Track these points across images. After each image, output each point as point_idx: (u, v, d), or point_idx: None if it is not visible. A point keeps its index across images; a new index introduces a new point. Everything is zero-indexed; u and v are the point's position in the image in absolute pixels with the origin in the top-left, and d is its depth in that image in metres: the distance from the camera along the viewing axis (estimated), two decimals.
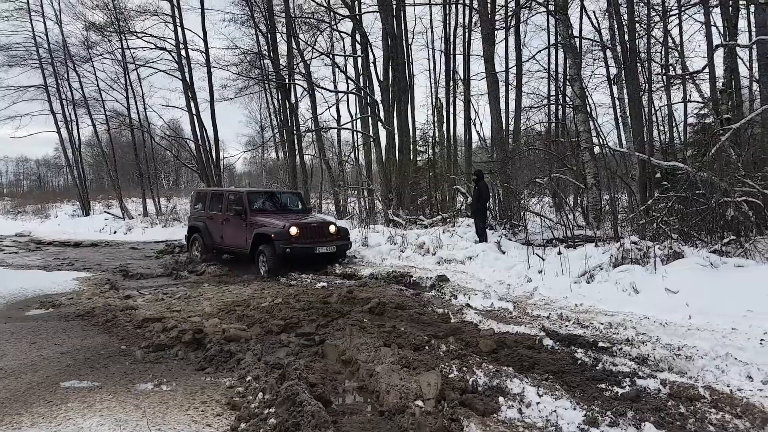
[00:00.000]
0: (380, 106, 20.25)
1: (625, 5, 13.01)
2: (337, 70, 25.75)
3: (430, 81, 24.30)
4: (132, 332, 6.67)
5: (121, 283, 10.80)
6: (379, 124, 20.04)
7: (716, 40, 14.05)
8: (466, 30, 20.81)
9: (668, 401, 4.18)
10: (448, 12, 21.42)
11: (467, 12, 20.52)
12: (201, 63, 24.81)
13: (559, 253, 10.02)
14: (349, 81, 23.94)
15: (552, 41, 19.93)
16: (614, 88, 17.38)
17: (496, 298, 8.32)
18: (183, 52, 24.17)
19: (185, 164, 30.75)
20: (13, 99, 27.22)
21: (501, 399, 4.24)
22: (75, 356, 5.71)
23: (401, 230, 15.10)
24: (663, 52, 15.90)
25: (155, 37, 24.58)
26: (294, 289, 9.31)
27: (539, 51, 19.80)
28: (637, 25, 13.49)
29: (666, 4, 15.05)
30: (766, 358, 5.08)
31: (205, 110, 24.94)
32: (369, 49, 20.99)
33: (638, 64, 13.15)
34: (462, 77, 21.25)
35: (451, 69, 21.76)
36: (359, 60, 22.12)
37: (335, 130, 27.83)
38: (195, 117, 24.44)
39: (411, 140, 21.03)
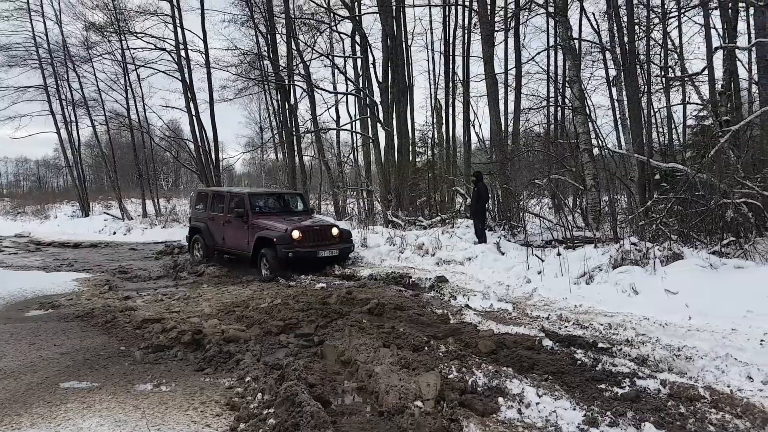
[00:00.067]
0: (379, 107, 20.25)
1: (624, 7, 13.03)
2: (336, 71, 25.74)
3: (430, 82, 24.35)
4: (131, 333, 6.67)
5: (121, 284, 10.79)
6: (379, 125, 20.05)
7: (715, 42, 14.10)
8: (466, 31, 20.84)
9: (668, 401, 4.19)
10: (447, 13, 21.46)
11: (467, 13, 20.56)
12: (201, 64, 24.81)
13: (559, 254, 10.02)
14: (349, 82, 23.94)
15: (551, 43, 19.96)
16: (613, 89, 17.40)
17: (495, 299, 8.32)
18: (183, 53, 24.19)
19: (185, 165, 30.74)
20: (13, 99, 27.24)
21: (500, 399, 4.24)
22: (74, 357, 5.70)
23: (400, 231, 15.10)
24: (662, 54, 15.92)
25: (155, 37, 24.59)
26: (293, 290, 9.30)
27: (539, 53, 19.77)
28: (636, 27, 13.52)
29: (665, 6, 15.09)
30: (766, 359, 5.08)
31: (205, 111, 24.99)
32: (368, 50, 21.00)
33: (637, 66, 13.17)
34: (461, 79, 21.27)
35: (451, 70, 21.79)
36: (359, 61, 22.12)
37: (334, 131, 27.83)
38: (194, 118, 24.43)
39: (410, 141, 21.04)
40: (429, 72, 28.00)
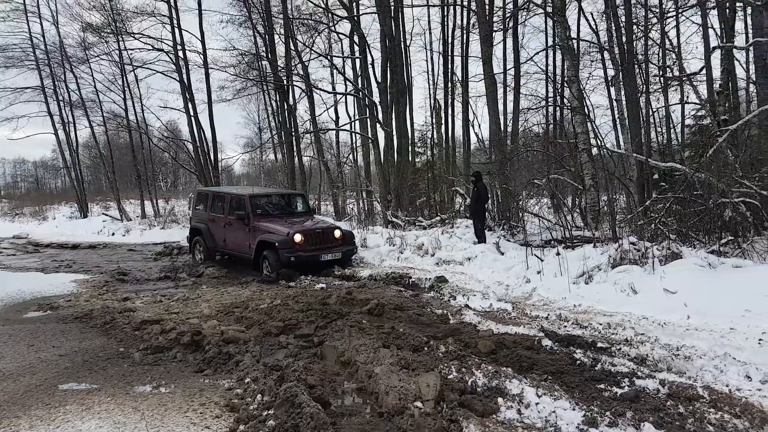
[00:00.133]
0: (379, 107, 20.25)
1: (622, 7, 13.03)
2: (335, 71, 25.70)
3: (429, 82, 24.36)
4: (130, 334, 6.67)
5: (120, 285, 10.78)
6: (378, 125, 20.05)
7: (713, 41, 14.07)
8: (465, 32, 20.83)
9: (667, 401, 4.19)
10: (446, 14, 21.43)
11: (465, 14, 20.55)
12: (199, 64, 24.74)
13: (558, 253, 10.03)
14: (348, 82, 23.91)
15: (550, 43, 19.96)
16: (612, 89, 17.42)
17: (494, 299, 8.32)
18: (180, 54, 24.14)
19: (183, 166, 30.68)
20: (10, 100, 27.13)
21: (500, 400, 4.24)
22: (73, 358, 5.70)
23: (400, 231, 15.10)
24: (660, 54, 15.92)
25: (152, 38, 24.53)
26: (293, 291, 9.30)
27: (537, 53, 19.79)
28: (634, 26, 13.52)
29: (663, 6, 15.07)
30: (765, 358, 5.09)
31: (203, 112, 25.03)
32: (367, 50, 20.99)
33: (636, 66, 13.17)
34: (460, 79, 21.26)
35: (450, 70, 21.77)
36: (357, 62, 22.10)
37: (334, 132, 27.82)
38: (193, 118, 24.39)
39: (409, 142, 21.03)
40: (428, 72, 28.12)
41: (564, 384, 4.60)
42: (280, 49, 22.83)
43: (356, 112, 23.01)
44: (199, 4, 23.40)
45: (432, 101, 23.29)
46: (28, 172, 73.05)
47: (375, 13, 20.39)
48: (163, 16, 24.16)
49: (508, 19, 18.72)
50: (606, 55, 16.94)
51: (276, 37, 22.47)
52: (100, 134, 30.02)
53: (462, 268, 11.25)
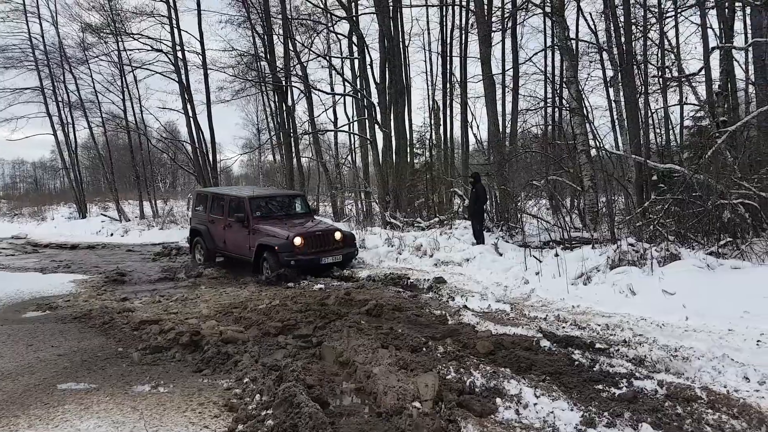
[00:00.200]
0: (377, 108, 20.24)
1: (621, 7, 13.04)
2: (333, 72, 25.70)
3: (427, 83, 24.38)
4: (129, 334, 6.67)
5: (118, 285, 10.78)
6: (376, 126, 20.04)
7: (712, 42, 14.08)
8: (463, 32, 20.85)
9: (665, 402, 4.20)
10: (444, 14, 21.44)
11: (464, 14, 20.56)
12: (197, 65, 24.72)
13: (556, 255, 10.03)
14: (346, 83, 23.89)
15: (548, 43, 19.96)
16: (611, 90, 17.43)
17: (493, 300, 8.33)
18: (179, 54, 24.13)
19: (182, 167, 30.71)
20: (9, 101, 27.16)
21: (498, 400, 4.25)
22: (72, 358, 5.70)
23: (398, 232, 15.09)
24: (659, 55, 15.94)
25: (152, 38, 24.50)
26: (291, 292, 9.30)
27: (536, 53, 19.85)
28: (633, 27, 13.52)
29: (662, 6, 15.09)
30: (763, 359, 5.10)
31: (202, 112, 24.91)
32: (366, 51, 20.97)
33: (634, 67, 13.18)
34: (459, 79, 21.27)
35: (448, 71, 21.77)
36: (356, 62, 22.08)
37: (332, 133, 27.82)
38: (191, 119, 24.38)
39: (408, 142, 21.03)
40: (426, 73, 28.08)
41: (562, 384, 4.61)
42: (279, 50, 22.84)
43: (355, 113, 23.01)
44: (198, 5, 23.43)
45: (430, 102, 23.30)
46: (27, 173, 72.97)
47: (374, 13, 20.38)
48: (162, 16, 24.18)
49: (506, 20, 18.71)
50: (605, 55, 16.96)
51: (275, 37, 22.46)
52: (99, 135, 30.01)
53: (460, 269, 11.25)
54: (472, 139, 20.72)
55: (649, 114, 14.19)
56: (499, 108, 18.20)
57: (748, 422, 3.85)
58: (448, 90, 21.92)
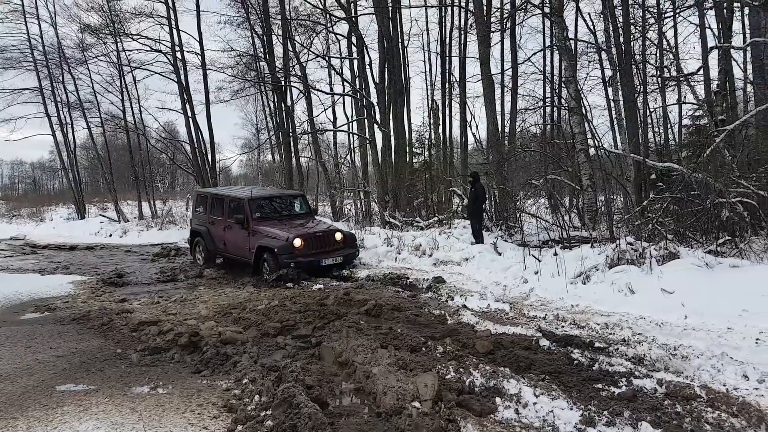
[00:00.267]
0: (376, 108, 20.23)
1: (620, 7, 13.05)
2: (333, 72, 25.71)
3: (426, 83, 24.34)
4: (128, 335, 6.67)
5: (117, 286, 10.76)
6: (375, 126, 20.03)
7: (711, 42, 14.09)
8: (462, 32, 20.86)
9: (665, 401, 4.20)
10: (443, 14, 21.45)
11: (463, 14, 20.56)
12: (196, 65, 24.70)
13: (555, 254, 10.03)
14: (345, 83, 23.90)
15: (547, 43, 19.96)
16: (609, 90, 17.45)
17: (492, 299, 8.33)
18: (178, 55, 24.12)
19: (181, 167, 30.66)
20: (8, 102, 27.07)
21: (498, 399, 4.25)
22: (71, 360, 5.70)
23: (397, 232, 15.08)
24: (658, 54, 15.95)
25: (150, 39, 24.48)
26: (290, 292, 9.29)
27: (535, 53, 19.86)
28: (632, 27, 13.54)
29: (661, 6, 15.12)
30: (762, 357, 5.10)
31: (201, 112, 24.89)
32: (365, 51, 20.96)
33: (633, 66, 13.21)
34: (458, 79, 21.29)
35: (447, 71, 21.78)
36: (355, 62, 22.06)
37: (331, 133, 27.82)
38: (190, 119, 24.36)
39: (407, 142, 21.03)
40: (426, 73, 28.02)
41: (562, 384, 4.61)
42: (278, 50, 22.82)
43: (354, 112, 23.00)
44: (197, 5, 23.41)
45: (430, 102, 23.33)
46: (26, 174, 72.94)
47: (373, 14, 20.37)
48: (161, 17, 24.16)
49: (505, 20, 18.72)
50: (604, 55, 16.96)
51: (274, 38, 22.44)
52: (98, 135, 29.95)
53: (459, 269, 11.24)
54: (471, 139, 20.74)
55: (648, 113, 14.24)
56: (498, 107, 18.20)
57: (748, 420, 3.85)
58: (447, 90, 21.94)
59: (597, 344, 5.67)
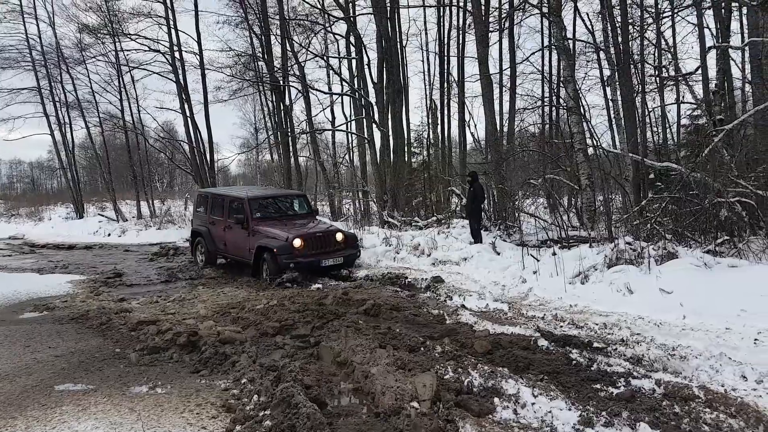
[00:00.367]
0: (375, 107, 20.23)
1: (618, 7, 13.06)
2: (331, 72, 25.73)
3: (425, 83, 24.35)
4: (126, 335, 6.66)
5: (116, 286, 10.76)
6: (374, 125, 20.03)
7: (709, 41, 14.12)
8: (460, 32, 20.85)
9: (663, 401, 4.20)
10: (442, 14, 21.44)
11: (461, 14, 20.55)
12: (195, 65, 24.67)
13: (554, 253, 10.03)
14: (344, 83, 23.90)
15: (546, 43, 19.97)
16: (608, 89, 17.43)
17: (491, 299, 8.34)
18: (177, 54, 24.10)
19: (179, 167, 30.63)
20: (6, 101, 27.07)
21: (496, 400, 4.25)
22: (69, 359, 5.70)
23: (396, 231, 15.08)
24: (656, 54, 15.98)
25: (149, 39, 24.47)
26: (289, 291, 9.28)
27: (533, 53, 19.96)
28: (630, 27, 13.55)
29: (659, 6, 15.13)
30: (760, 358, 5.11)
31: (199, 112, 24.88)
32: (363, 51, 20.97)
33: (631, 66, 13.22)
34: (456, 79, 21.30)
35: (446, 71, 21.79)
36: (353, 62, 22.07)
37: (330, 132, 27.82)
38: (189, 119, 24.35)
39: (406, 142, 21.03)
40: (424, 72, 28.10)
41: (560, 384, 4.61)
42: (277, 50, 22.82)
43: (352, 112, 23.02)
44: (196, 5, 23.38)
45: (428, 101, 23.35)
46: (24, 173, 72.96)
47: (371, 13, 20.38)
48: (160, 17, 24.14)
49: (504, 20, 18.73)
50: (602, 55, 16.95)
51: (272, 37, 22.44)
52: (97, 135, 29.90)
53: (458, 269, 11.25)
54: (469, 138, 20.79)
55: (646, 113, 14.26)
56: (497, 107, 18.23)
57: (746, 421, 3.86)
58: (446, 89, 21.95)
59: (595, 344, 5.67)
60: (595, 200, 13.90)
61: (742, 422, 3.84)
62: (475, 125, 44.53)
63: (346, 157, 28.02)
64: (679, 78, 13.98)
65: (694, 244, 9.21)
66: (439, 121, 22.05)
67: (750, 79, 12.68)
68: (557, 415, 3.99)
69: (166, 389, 4.73)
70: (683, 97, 15.50)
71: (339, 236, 11.42)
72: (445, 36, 21.43)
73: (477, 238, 12.66)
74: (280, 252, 10.44)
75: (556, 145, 16.70)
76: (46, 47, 27.05)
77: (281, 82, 22.66)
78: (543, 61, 20.85)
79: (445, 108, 22.19)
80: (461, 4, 20.12)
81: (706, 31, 14.25)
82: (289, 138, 23.29)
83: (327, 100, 26.09)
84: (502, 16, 18.85)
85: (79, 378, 5.09)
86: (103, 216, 27.63)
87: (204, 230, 12.88)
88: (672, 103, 16.26)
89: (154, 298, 9.21)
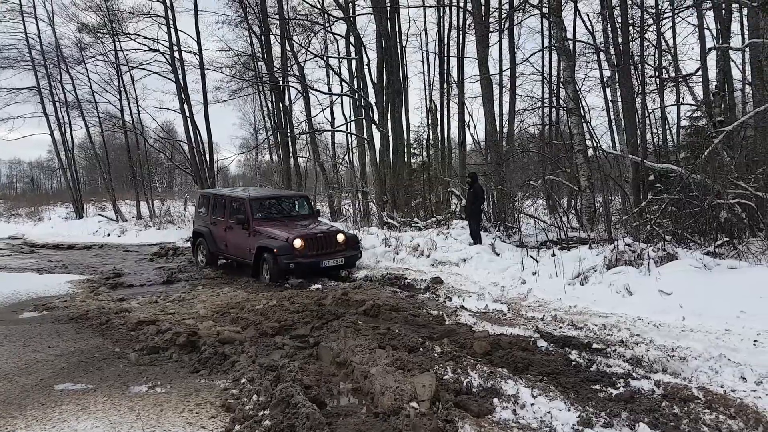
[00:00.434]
0: (374, 108, 20.22)
1: (618, 8, 13.07)
2: (331, 72, 25.74)
3: (425, 83, 24.35)
4: (126, 335, 6.66)
5: (115, 286, 10.75)
6: (374, 126, 20.03)
7: (709, 43, 14.15)
8: (460, 32, 20.86)
9: (662, 402, 4.21)
10: (441, 14, 21.45)
11: (461, 14, 20.56)
12: (194, 65, 24.66)
13: (553, 255, 10.04)
14: (343, 83, 23.90)
15: (546, 44, 19.99)
16: (608, 90, 17.46)
17: (490, 300, 8.34)
18: (176, 54, 24.11)
19: (179, 167, 30.62)
20: (6, 101, 27.03)
21: (495, 400, 4.25)
22: (69, 359, 5.69)
23: (396, 232, 15.09)
24: (656, 55, 16.00)
25: (148, 38, 24.46)
26: (288, 292, 9.29)
27: (533, 53, 20.01)
28: (630, 27, 13.57)
29: (659, 7, 15.14)
30: (760, 359, 5.11)
31: (199, 112, 24.88)
32: (363, 51, 20.97)
33: (631, 67, 13.23)
34: (456, 80, 21.30)
35: (445, 71, 21.79)
36: (353, 62, 22.08)
37: (329, 133, 27.82)
38: (188, 119, 24.35)
39: (405, 142, 21.03)
40: (424, 73, 28.08)
41: (559, 385, 4.62)
42: (276, 50, 22.83)
43: (352, 112, 23.02)
44: (195, 5, 23.39)
45: (428, 102, 23.35)
46: (24, 173, 73.00)
47: (371, 13, 20.39)
48: (159, 16, 24.15)
49: (504, 20, 18.74)
50: (602, 56, 16.98)
51: (272, 37, 22.45)
52: (96, 135, 29.88)
53: (457, 269, 11.25)
54: (469, 139, 20.79)
55: (646, 114, 14.25)
56: (497, 108, 18.24)
57: (745, 422, 3.86)
58: (446, 90, 21.95)
59: (595, 345, 5.68)
60: (594, 201, 13.91)
61: (742, 423, 3.85)
62: (475, 126, 44.65)
63: (346, 157, 28.06)
64: (680, 79, 13.99)
65: (694, 245, 9.22)
66: (438, 122, 22.05)
67: (750, 80, 12.69)
68: (556, 415, 3.99)
69: (166, 389, 4.73)
70: (683, 98, 15.53)
71: (340, 237, 11.33)
72: (445, 36, 21.45)
73: (476, 239, 12.66)
74: (281, 252, 10.37)
75: (555, 146, 16.72)
76: (45, 47, 27.05)
77: (281, 82, 22.66)
78: (543, 61, 20.90)
79: (445, 108, 22.20)
80: (461, 4, 20.13)
81: (707, 32, 14.28)
82: (289, 138, 23.29)
83: (326, 100, 26.13)
84: (502, 16, 18.88)
85: (79, 377, 5.09)
86: (102, 216, 27.62)
87: (205, 231, 12.82)
88: (672, 105, 16.29)
89: (154, 298, 9.20)
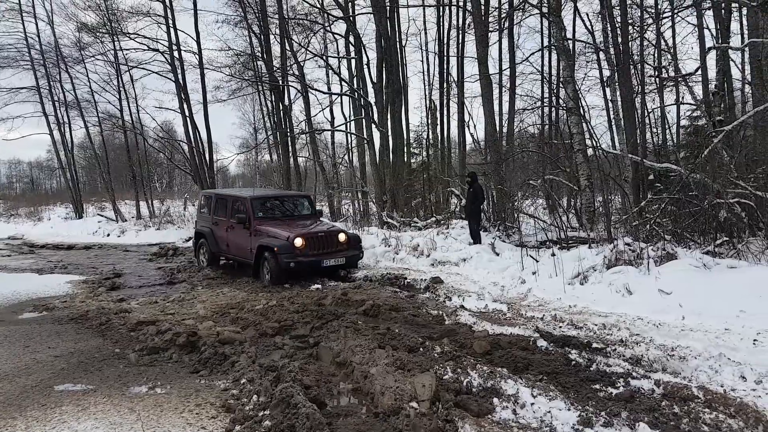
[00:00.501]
0: (374, 108, 20.21)
1: (618, 7, 13.07)
2: (330, 71, 25.75)
3: (424, 83, 24.37)
4: (126, 335, 6.66)
5: (115, 286, 10.74)
6: (373, 126, 20.02)
7: (709, 42, 14.15)
8: (460, 32, 20.88)
9: (662, 401, 4.21)
10: (441, 14, 21.46)
11: (461, 14, 20.58)
12: (194, 65, 24.65)
13: (553, 254, 10.04)
14: (343, 83, 23.90)
15: (545, 43, 19.99)
16: (607, 90, 17.46)
17: (490, 300, 8.34)
18: (176, 54, 24.11)
19: (178, 167, 30.61)
20: (5, 101, 27.05)
21: (495, 400, 4.25)
22: (69, 359, 5.69)
23: (395, 232, 15.09)
24: (656, 55, 16.00)
25: (148, 38, 24.46)
26: (288, 292, 9.29)
27: (533, 53, 20.00)
28: (630, 27, 13.57)
29: (659, 7, 15.14)
30: (760, 358, 5.12)
31: (199, 112, 24.88)
32: (363, 50, 20.97)
33: (631, 67, 13.23)
34: (456, 79, 21.31)
35: (445, 71, 21.80)
36: (353, 62, 22.09)
37: (329, 132, 27.82)
38: (188, 119, 24.34)
39: (405, 142, 21.03)
40: (423, 72, 28.15)
41: (559, 384, 4.62)
42: (276, 50, 22.83)
43: (351, 112, 23.04)
44: (195, 4, 23.38)
45: (427, 102, 23.35)
46: (23, 173, 72.99)
47: (371, 13, 20.39)
48: (159, 16, 24.14)
49: (503, 20, 18.76)
50: (602, 55, 16.98)
51: (271, 37, 22.45)
52: (96, 135, 29.88)
53: (457, 269, 11.26)
54: (469, 139, 20.81)
55: (646, 113, 14.25)
56: (496, 107, 18.24)
57: (745, 421, 3.86)
58: (445, 90, 21.96)
59: (594, 345, 5.68)
60: (594, 201, 13.91)
61: (742, 422, 3.85)
62: (475, 125, 44.67)
63: (346, 157, 28.03)
64: (679, 79, 13.99)
65: (694, 245, 9.22)
66: (438, 122, 22.06)
67: (750, 80, 12.69)
68: (556, 415, 3.99)
69: (166, 389, 4.73)
70: (683, 97, 15.53)
71: (341, 237, 11.27)
72: (445, 36, 21.47)
73: (476, 239, 12.66)
74: (281, 251, 10.32)
75: (555, 146, 16.73)
76: (44, 46, 27.06)
77: (280, 81, 22.66)
78: (543, 61, 20.89)
79: (445, 108, 22.21)
80: (461, 3, 20.15)
81: (706, 31, 14.29)
82: (289, 138, 23.29)
83: (326, 100, 26.13)
84: (502, 16, 18.89)
85: (79, 378, 5.09)
86: (102, 216, 27.64)
87: (207, 231, 12.77)
88: (672, 104, 16.30)
89: (154, 298, 9.20)
